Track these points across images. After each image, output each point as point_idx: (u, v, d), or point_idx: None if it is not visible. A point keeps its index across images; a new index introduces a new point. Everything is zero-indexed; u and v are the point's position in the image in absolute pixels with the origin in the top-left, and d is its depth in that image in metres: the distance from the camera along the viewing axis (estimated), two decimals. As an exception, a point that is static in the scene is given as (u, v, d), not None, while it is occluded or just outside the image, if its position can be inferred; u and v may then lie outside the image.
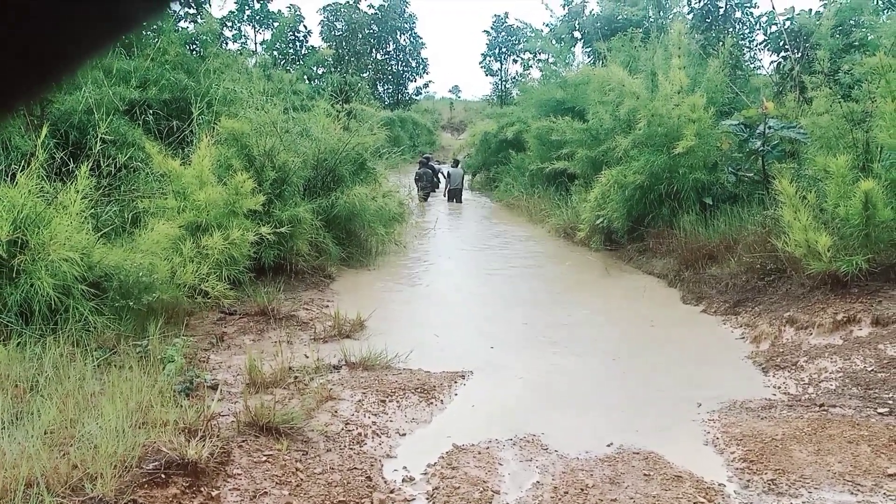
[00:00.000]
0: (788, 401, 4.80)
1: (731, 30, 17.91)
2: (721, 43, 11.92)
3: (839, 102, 7.67)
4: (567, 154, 12.59)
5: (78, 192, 5.26)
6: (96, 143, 6.36)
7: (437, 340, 6.42)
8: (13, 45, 0.46)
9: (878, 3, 14.19)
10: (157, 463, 3.21)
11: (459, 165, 20.83)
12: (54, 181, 5.62)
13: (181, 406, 3.89)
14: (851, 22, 11.22)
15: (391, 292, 8.54)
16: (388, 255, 10.52)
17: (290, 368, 5.11)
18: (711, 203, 9.01)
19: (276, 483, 3.48)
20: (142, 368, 4.32)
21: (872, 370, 4.99)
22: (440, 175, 20.34)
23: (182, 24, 12.39)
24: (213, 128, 7.91)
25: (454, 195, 19.46)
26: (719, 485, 3.66)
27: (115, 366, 4.39)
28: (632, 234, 9.88)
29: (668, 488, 3.58)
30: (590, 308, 7.67)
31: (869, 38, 10.33)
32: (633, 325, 6.97)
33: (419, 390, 4.97)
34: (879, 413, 4.37)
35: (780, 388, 5.12)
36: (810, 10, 12.57)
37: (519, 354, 6.02)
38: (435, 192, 19.84)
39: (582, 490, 3.60)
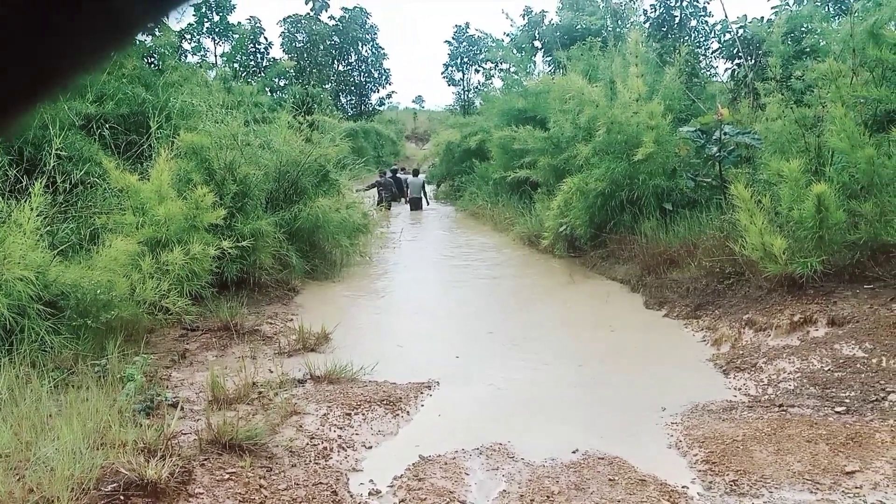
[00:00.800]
0: (749, 402, 4.88)
1: (686, 38, 18.25)
2: (677, 51, 12.14)
3: (791, 108, 7.84)
4: (530, 162, 12.67)
5: (33, 209, 5.15)
6: (51, 158, 6.24)
7: (403, 351, 6.41)
8: (13, 53, 0.46)
9: (828, 9, 14.59)
10: (115, 484, 3.15)
11: (419, 175, 21.13)
12: (8, 199, 5.50)
13: (141, 426, 3.82)
14: (803, 28, 11.50)
15: (356, 304, 8.50)
16: (353, 266, 10.48)
17: (253, 384, 5.05)
18: (671, 208, 9.14)
19: (239, 501, 3.43)
20: (100, 388, 4.23)
21: (829, 370, 5.09)
22: (405, 184, 20.61)
23: (139, 36, 12.23)
24: (172, 142, 7.81)
25: (414, 204, 19.89)
26: (682, 487, 3.70)
27: (72, 386, 4.29)
28: (595, 241, 9.98)
29: (632, 492, 3.61)
30: (555, 315, 7.72)
31: (820, 44, 10.59)
32: (598, 331, 7.03)
33: (385, 402, 4.95)
34: (836, 412, 4.46)
35: (740, 389, 5.20)
36: (762, 17, 12.86)
37: (485, 363, 6.03)
38: (399, 201, 20.03)
39: (548, 497, 3.61)
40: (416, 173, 21.14)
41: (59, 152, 6.32)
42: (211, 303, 6.88)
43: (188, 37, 21.19)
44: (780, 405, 4.66)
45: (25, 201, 5.24)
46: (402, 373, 5.67)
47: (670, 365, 5.88)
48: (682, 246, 8.24)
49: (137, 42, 11.44)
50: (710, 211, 8.49)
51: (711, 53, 16.18)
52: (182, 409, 4.44)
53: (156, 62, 11.53)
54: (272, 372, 5.49)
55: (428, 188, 22.98)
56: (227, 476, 3.61)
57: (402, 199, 20.53)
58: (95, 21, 0.48)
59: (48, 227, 5.59)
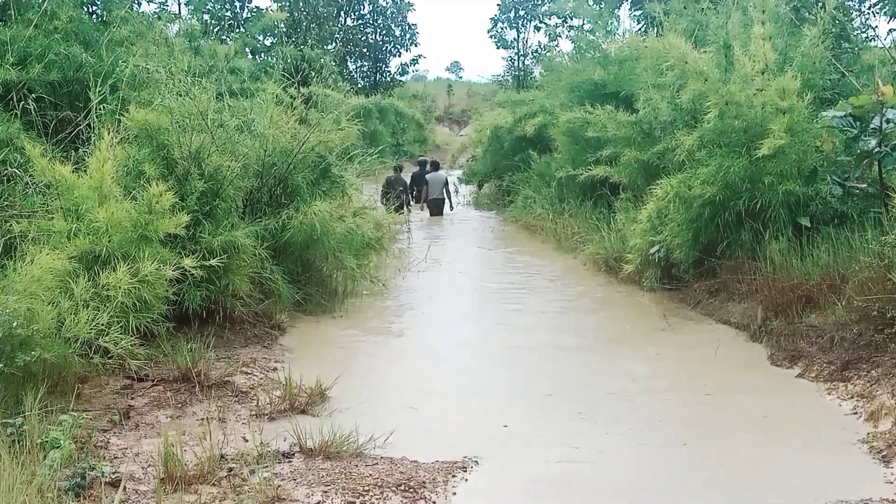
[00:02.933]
0: (920, 502, 4.78)
1: (834, -14, 18.10)
2: (820, 5, 12.04)
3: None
4: (609, 157, 12.63)
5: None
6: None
7: (428, 416, 6.41)
8: None
9: None
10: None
11: (440, 169, 21.91)
12: None
13: (68, 510, 3.86)
14: None
15: (364, 349, 8.52)
16: (361, 296, 10.51)
17: (222, 457, 5.06)
18: (809, 225, 9.02)
19: None
20: (14, 457, 4.28)
21: None
22: (423, 182, 21.45)
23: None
24: (119, 120, 7.93)
25: (434, 207, 20.76)
26: None
27: (-24, 453, 4.35)
28: (699, 268, 9.89)
29: None
30: (642, 372, 7.66)
31: None
32: (704, 394, 6.95)
33: (403, 488, 4.94)
34: None
35: (907, 484, 5.10)
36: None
37: (543, 435, 6.00)
38: (408, 205, 20.53)
39: None
40: (436, 167, 21.91)
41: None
42: (166, 343, 6.94)
43: (143, -23, 21.65)
44: (966, 509, 4.56)
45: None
46: (427, 446, 5.66)
47: (806, 445, 5.78)
48: (823, 278, 8.12)
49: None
50: (864, 229, 8.35)
51: (869, 8, 16.04)
52: (125, 490, 4.47)
53: (99, 12, 11.77)
54: (247, 441, 5.50)
55: (467, 189, 23.11)
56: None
57: (413, 203, 21.17)
58: None
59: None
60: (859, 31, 15.04)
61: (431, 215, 20.69)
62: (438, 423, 6.26)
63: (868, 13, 16.05)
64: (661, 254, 9.94)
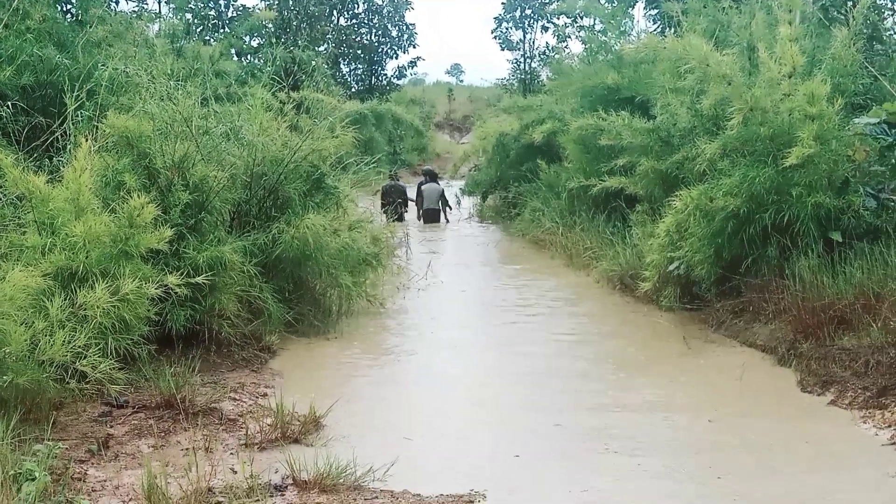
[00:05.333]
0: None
1: (865, -16, 18.16)
2: (851, 3, 12.08)
3: None
4: (624, 166, 12.64)
5: None
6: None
7: (431, 445, 6.41)
8: None
9: None
10: None
11: (437, 179, 23.07)
12: None
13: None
14: None
15: (361, 372, 8.51)
16: (357, 316, 10.50)
17: (209, 490, 5.05)
18: (841, 240, 9.02)
19: None
20: (-15, 490, 4.28)
21: None
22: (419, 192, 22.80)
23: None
24: (97, 127, 7.95)
25: (430, 217, 22.00)
26: None
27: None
28: (722, 286, 9.88)
29: None
30: (659, 398, 7.66)
31: None
32: (728, 423, 6.94)
33: (405, 523, 4.93)
34: None
35: (951, 520, 5.09)
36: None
37: (558, 466, 6.00)
38: (401, 215, 21.73)
39: None
40: (432, 176, 22.99)
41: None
42: (147, 367, 6.93)
43: (122, -26, 21.73)
44: None
45: None
46: (430, 478, 5.65)
47: (840, 478, 5.77)
48: (857, 297, 8.11)
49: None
50: (901, 245, 8.38)
51: (903, 7, 16.06)
52: (104, 524, 4.47)
53: (75, 11, 11.82)
54: (236, 473, 5.49)
55: (469, 202, 23.38)
56: None
57: (404, 211, 22.34)
58: None
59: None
60: (893, 32, 15.07)
61: (426, 222, 21.99)
62: (442, 452, 6.26)
63: (902, 12, 16.07)
64: (680, 271, 9.94)
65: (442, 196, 22.73)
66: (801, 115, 9.23)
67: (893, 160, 8.81)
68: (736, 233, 9.47)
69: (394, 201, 21.40)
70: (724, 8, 13.70)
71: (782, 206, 9.26)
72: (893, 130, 8.77)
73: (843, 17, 11.64)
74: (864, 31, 11.70)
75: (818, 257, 8.92)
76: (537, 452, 6.30)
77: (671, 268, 9.95)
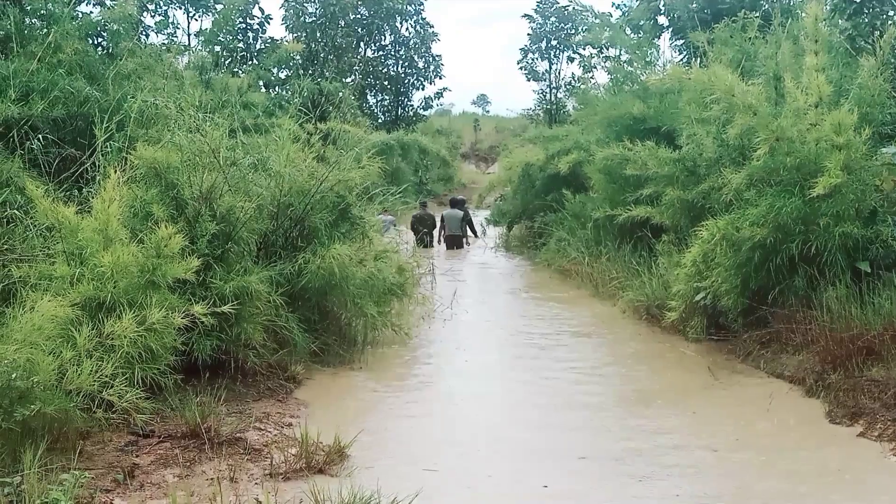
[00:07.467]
0: None
1: (891, 14, 18.11)
2: (878, 33, 12.04)
3: None
4: (650, 196, 12.61)
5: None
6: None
7: (457, 476, 6.38)
8: None
9: None
10: None
11: (459, 205, 23.68)
12: None
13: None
14: None
15: (387, 402, 8.50)
16: (383, 346, 10.50)
17: (233, 520, 5.05)
18: (869, 270, 8.96)
19: None
20: (12, 519, 4.30)
21: None
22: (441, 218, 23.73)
23: (83, 7, 12.69)
24: (126, 159, 8.02)
25: (452, 243, 22.81)
26: None
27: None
28: (749, 317, 9.82)
29: None
30: (685, 430, 7.60)
31: None
32: (757, 455, 6.87)
33: (429, 555, 4.91)
34: None
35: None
36: None
37: (585, 499, 5.95)
38: (426, 241, 22.48)
39: None
40: (455, 204, 23.83)
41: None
42: (173, 396, 6.95)
43: (151, 8, 21.89)
44: None
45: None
46: (456, 511, 5.62)
47: (870, 513, 5.71)
48: (886, 328, 8.04)
49: (80, 15, 11.92)
50: (931, 275, 8.31)
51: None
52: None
53: (106, 44, 11.95)
54: (260, 503, 5.48)
55: (495, 231, 23.58)
56: None
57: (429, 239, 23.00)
58: None
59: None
60: (920, 61, 15.01)
61: (448, 248, 22.63)
62: (468, 483, 6.23)
63: (929, 42, 16.00)
64: (707, 301, 9.88)
65: (466, 221, 23.46)
66: (828, 144, 9.19)
67: (922, 190, 8.75)
68: (763, 263, 9.43)
69: (424, 229, 22.27)
70: (750, 38, 13.71)
71: (809, 236, 9.20)
72: (921, 160, 8.73)
73: (870, 46, 11.61)
74: (892, 60, 11.65)
75: (846, 287, 8.85)
76: (564, 484, 6.27)
77: (698, 298, 9.90)
